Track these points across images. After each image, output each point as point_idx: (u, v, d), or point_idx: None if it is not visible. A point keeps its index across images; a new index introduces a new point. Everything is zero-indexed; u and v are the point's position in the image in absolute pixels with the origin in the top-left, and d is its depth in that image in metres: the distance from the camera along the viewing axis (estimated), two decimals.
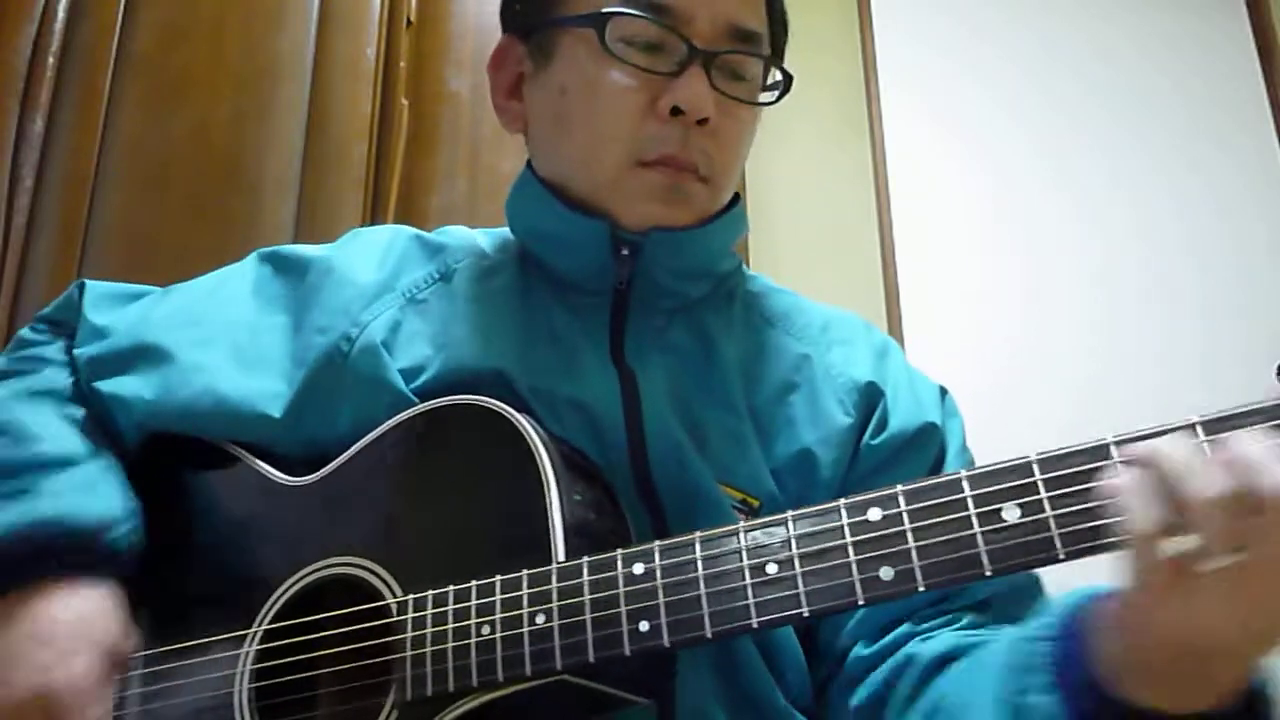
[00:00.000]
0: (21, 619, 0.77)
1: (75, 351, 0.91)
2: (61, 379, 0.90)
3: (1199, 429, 0.55)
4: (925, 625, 0.80)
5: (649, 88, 0.84)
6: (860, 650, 0.81)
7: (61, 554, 0.79)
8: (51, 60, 1.73)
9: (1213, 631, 0.54)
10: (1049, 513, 0.57)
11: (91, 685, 0.76)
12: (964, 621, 0.80)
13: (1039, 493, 0.57)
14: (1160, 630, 0.56)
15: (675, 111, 0.83)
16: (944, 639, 0.78)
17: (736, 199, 0.94)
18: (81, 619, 0.77)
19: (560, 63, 0.88)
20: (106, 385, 0.88)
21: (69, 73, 1.75)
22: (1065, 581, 0.73)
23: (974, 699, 0.70)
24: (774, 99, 0.91)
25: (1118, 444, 0.57)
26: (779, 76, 0.91)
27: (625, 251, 0.87)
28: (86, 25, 1.77)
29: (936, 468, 0.87)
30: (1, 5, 1.74)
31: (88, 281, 0.96)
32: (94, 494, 0.82)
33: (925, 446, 0.87)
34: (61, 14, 1.76)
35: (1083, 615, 0.63)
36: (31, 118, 1.70)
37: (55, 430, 0.85)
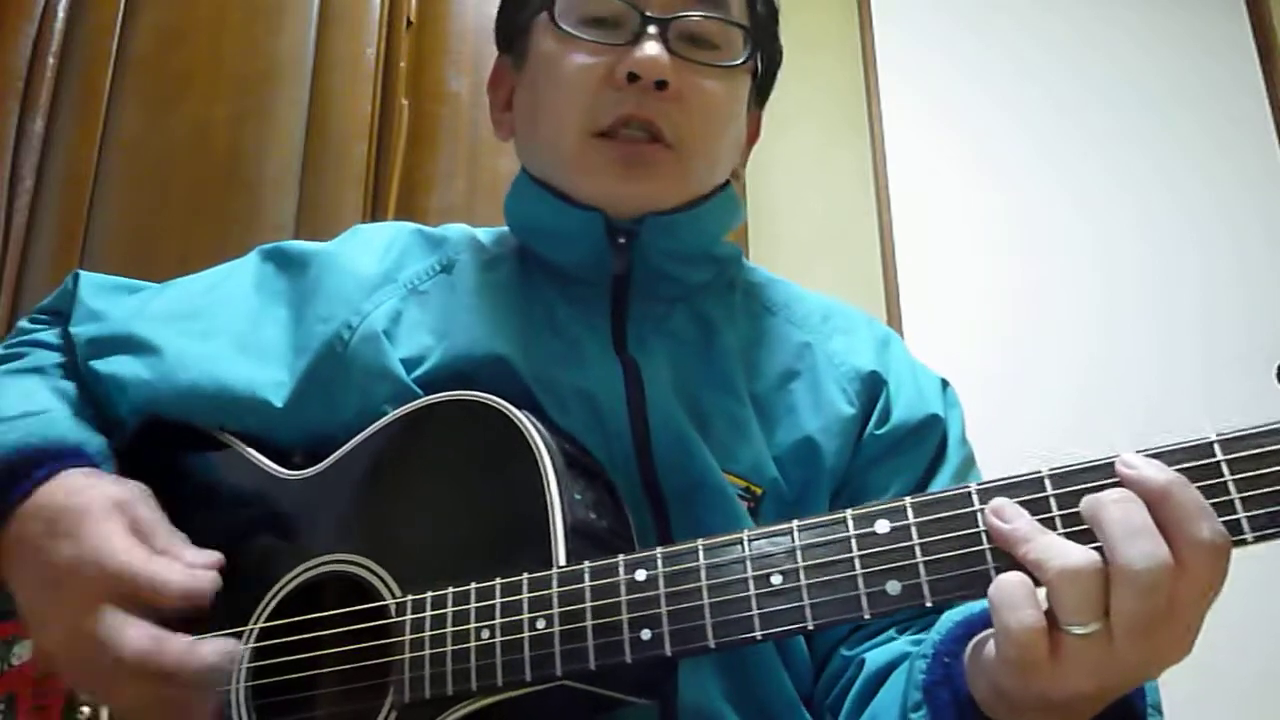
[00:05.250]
0: (33, 518, 0.74)
1: (72, 330, 0.90)
2: (53, 358, 0.89)
3: (1217, 447, 0.55)
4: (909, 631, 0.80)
5: (607, 61, 0.84)
6: (843, 650, 0.81)
7: (39, 464, 0.76)
8: (51, 60, 1.73)
9: (1080, 690, 0.55)
10: (1060, 530, 0.56)
11: (123, 537, 0.73)
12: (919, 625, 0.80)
13: (1050, 509, 0.57)
14: (1031, 690, 0.56)
15: (632, 78, 0.83)
16: (892, 647, 0.78)
17: (727, 182, 0.93)
18: (83, 490, 0.75)
19: (531, 61, 0.90)
20: (104, 365, 0.87)
21: (69, 73, 1.74)
22: None
23: (883, 714, 0.73)
24: (743, 60, 0.88)
25: (1125, 461, 0.57)
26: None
27: (621, 240, 0.87)
28: (86, 25, 1.76)
29: (937, 459, 0.87)
30: (1, 5, 1.74)
31: (82, 272, 0.95)
32: (70, 427, 0.81)
33: (927, 437, 0.87)
34: (61, 14, 1.76)
35: (962, 639, 0.65)
36: (31, 118, 1.70)
37: (35, 393, 0.84)
